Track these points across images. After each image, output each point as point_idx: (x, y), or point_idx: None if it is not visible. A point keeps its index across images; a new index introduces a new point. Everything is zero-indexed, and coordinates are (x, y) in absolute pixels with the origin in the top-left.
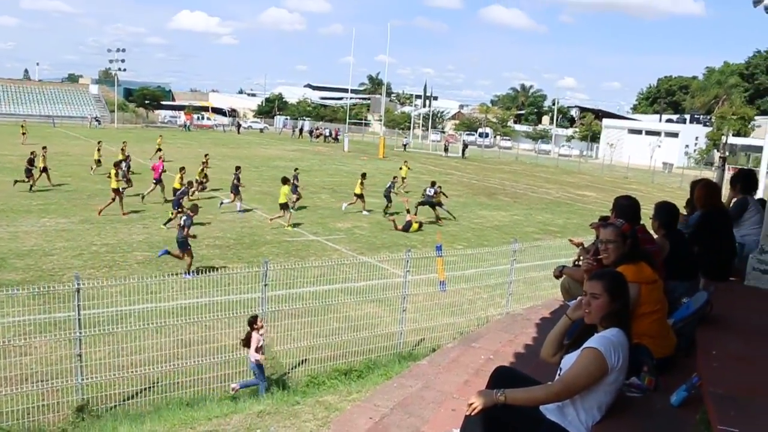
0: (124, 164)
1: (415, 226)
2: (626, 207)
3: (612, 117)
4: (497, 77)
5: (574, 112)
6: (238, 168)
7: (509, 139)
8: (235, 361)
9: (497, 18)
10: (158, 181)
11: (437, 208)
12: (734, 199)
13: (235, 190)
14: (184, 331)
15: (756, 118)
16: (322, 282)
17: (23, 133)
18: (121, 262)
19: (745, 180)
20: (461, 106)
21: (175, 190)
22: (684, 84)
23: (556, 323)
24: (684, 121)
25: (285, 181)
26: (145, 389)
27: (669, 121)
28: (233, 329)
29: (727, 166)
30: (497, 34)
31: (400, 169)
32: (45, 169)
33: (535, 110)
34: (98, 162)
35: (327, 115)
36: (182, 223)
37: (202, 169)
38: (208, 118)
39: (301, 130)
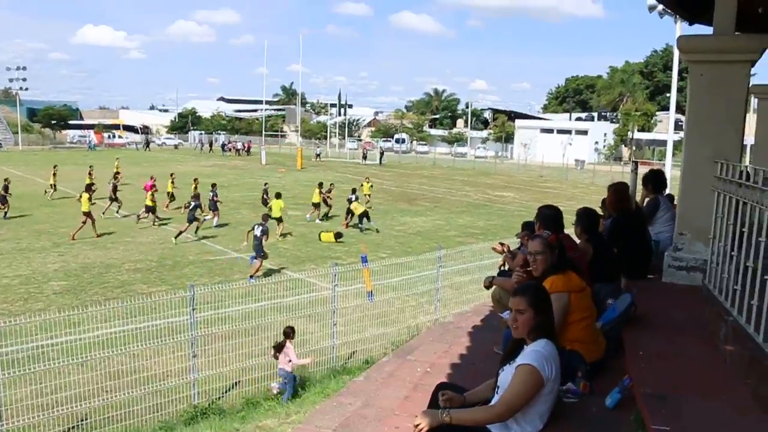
0: (97, 186)
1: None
2: (549, 216)
3: (524, 117)
4: (410, 83)
5: (487, 114)
6: (214, 185)
7: (426, 144)
8: (166, 390)
9: (407, 24)
10: (114, 198)
11: (365, 219)
12: (647, 199)
13: (214, 206)
14: (111, 363)
15: (657, 113)
16: (249, 300)
17: None
18: (36, 294)
19: (655, 180)
20: (376, 113)
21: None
22: (590, 83)
23: (488, 331)
24: (592, 119)
25: (278, 195)
26: (73, 428)
27: (578, 119)
28: (162, 357)
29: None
30: (408, 39)
31: (362, 185)
32: None
33: (450, 114)
34: (54, 186)
35: (242, 128)
36: (258, 232)
37: (172, 182)
38: (120, 136)
39: (211, 144)
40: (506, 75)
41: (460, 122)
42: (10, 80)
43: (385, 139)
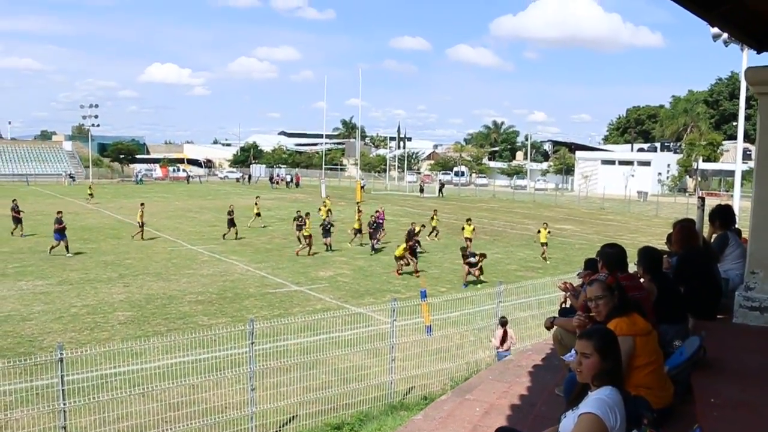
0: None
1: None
2: (612, 255)
3: (585, 149)
4: (469, 115)
5: (547, 146)
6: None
7: (485, 176)
8: (225, 423)
9: (464, 57)
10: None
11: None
12: (714, 235)
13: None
14: (172, 394)
15: (723, 143)
16: (308, 334)
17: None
18: (102, 324)
19: (723, 215)
20: (435, 146)
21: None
22: (652, 113)
23: (549, 371)
24: (655, 150)
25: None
26: None
27: (640, 150)
28: (221, 389)
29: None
30: (466, 72)
31: (431, 219)
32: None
33: (509, 146)
34: (141, 226)
35: (302, 161)
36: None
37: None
38: (184, 170)
39: (271, 179)
40: (565, 106)
41: (519, 154)
42: (83, 117)
43: (444, 172)
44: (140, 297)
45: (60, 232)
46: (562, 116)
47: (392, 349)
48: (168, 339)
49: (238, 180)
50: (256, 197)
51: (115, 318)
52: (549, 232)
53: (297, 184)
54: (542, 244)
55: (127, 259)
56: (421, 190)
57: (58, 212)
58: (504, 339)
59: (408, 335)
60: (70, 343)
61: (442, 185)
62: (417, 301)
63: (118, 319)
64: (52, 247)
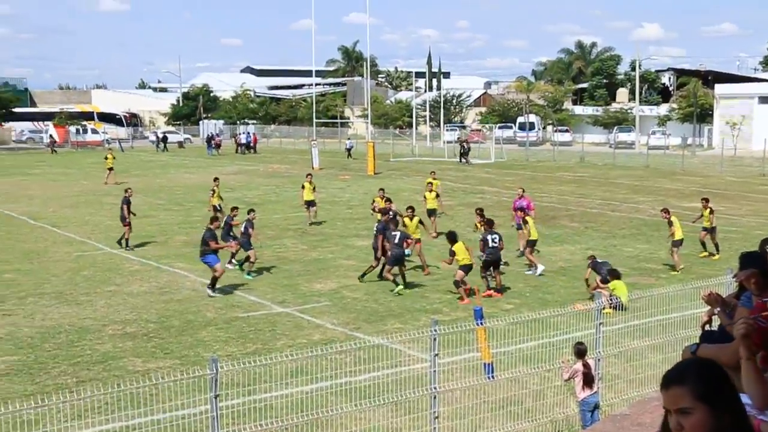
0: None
1: None
2: None
3: (729, 80)
4: (538, 34)
5: (667, 78)
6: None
7: (568, 130)
8: None
9: None
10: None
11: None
12: None
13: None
14: None
15: None
16: (301, 381)
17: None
18: None
19: None
20: (487, 84)
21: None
22: None
23: None
24: None
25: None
26: None
27: None
28: None
29: None
30: None
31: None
32: None
33: (604, 81)
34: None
35: (281, 114)
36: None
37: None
38: (95, 131)
39: (210, 140)
40: (694, 13)
41: (621, 93)
42: None
43: (502, 124)
44: (31, 332)
45: None
46: (690, 29)
47: (434, 401)
48: (80, 397)
49: (181, 145)
50: (215, 179)
51: None
52: (711, 210)
53: (254, 148)
54: (706, 231)
55: (6, 272)
56: (463, 155)
57: None
58: (589, 378)
59: (457, 379)
60: None
61: (463, 147)
62: (468, 324)
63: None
64: None
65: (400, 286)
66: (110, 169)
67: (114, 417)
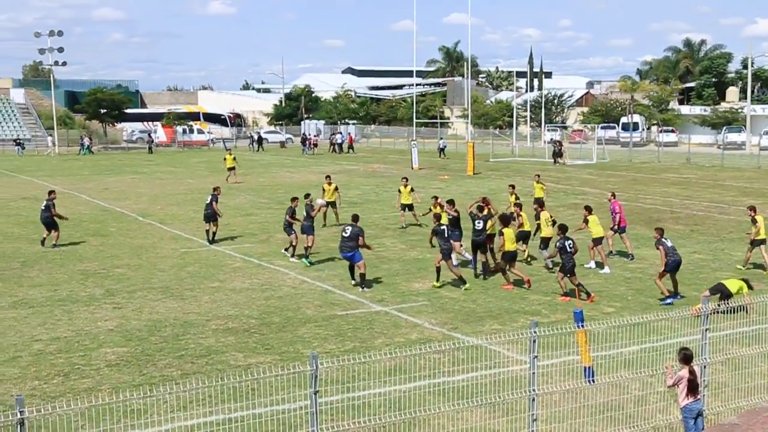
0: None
1: None
2: None
3: None
4: (643, 33)
5: None
6: None
7: (674, 130)
8: None
9: None
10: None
11: None
12: None
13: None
14: None
15: None
16: (398, 379)
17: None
18: (82, 367)
19: None
20: (590, 84)
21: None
22: None
23: None
24: None
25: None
26: None
27: None
28: None
29: None
30: None
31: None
32: None
33: (713, 80)
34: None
35: (381, 114)
36: None
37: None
38: (201, 131)
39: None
40: None
41: (731, 92)
42: (41, 51)
43: (605, 124)
44: (139, 325)
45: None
46: None
47: (532, 404)
48: (185, 389)
49: (282, 144)
50: (326, 177)
51: (101, 357)
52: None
53: (351, 148)
54: None
55: (117, 267)
56: (558, 155)
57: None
58: (694, 385)
59: (556, 381)
60: (32, 396)
61: (556, 149)
62: (568, 327)
63: (106, 359)
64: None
65: (467, 285)
66: (231, 168)
67: (216, 410)
